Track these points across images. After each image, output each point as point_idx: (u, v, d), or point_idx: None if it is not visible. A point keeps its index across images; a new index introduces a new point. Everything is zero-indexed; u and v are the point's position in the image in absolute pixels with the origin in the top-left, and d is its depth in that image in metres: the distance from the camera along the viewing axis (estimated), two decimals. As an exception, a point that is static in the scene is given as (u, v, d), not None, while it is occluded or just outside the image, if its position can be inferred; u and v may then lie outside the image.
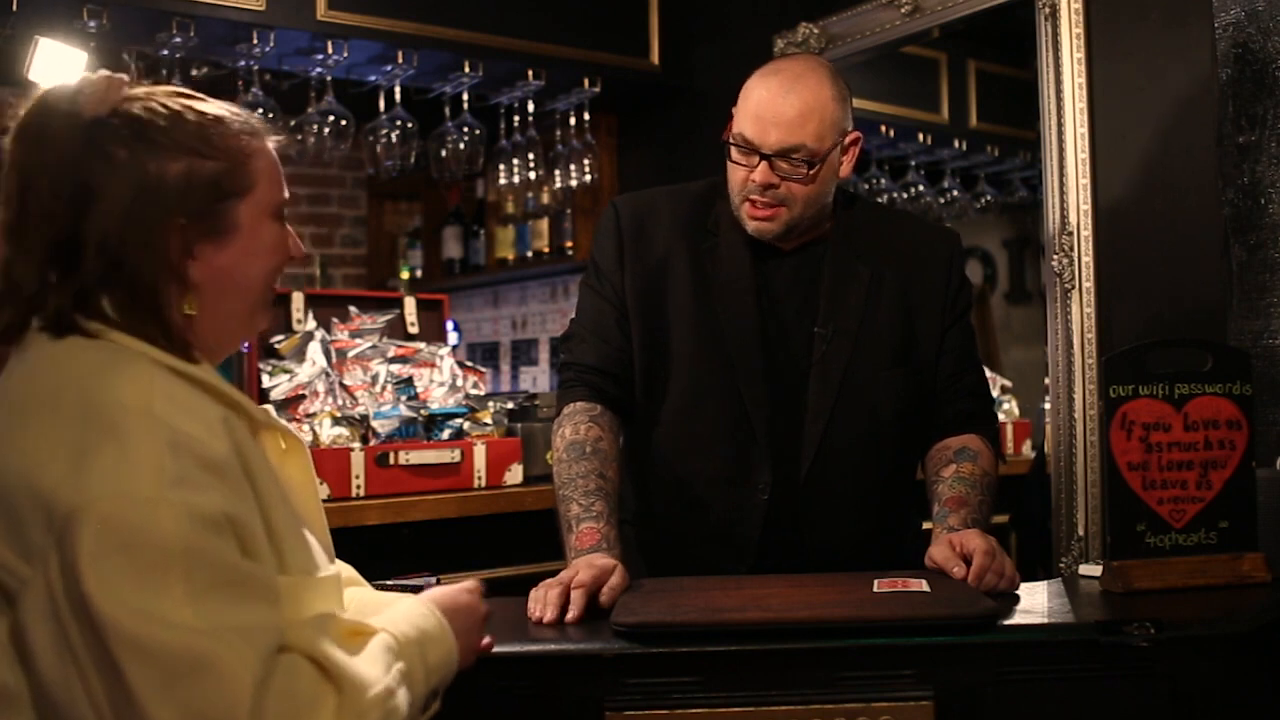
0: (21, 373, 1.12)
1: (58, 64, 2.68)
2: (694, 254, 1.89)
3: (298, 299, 3.13)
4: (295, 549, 1.16)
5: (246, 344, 2.75)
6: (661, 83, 3.63)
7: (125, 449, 1.02)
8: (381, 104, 3.42)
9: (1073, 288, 2.41)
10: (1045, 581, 1.83)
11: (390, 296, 3.59)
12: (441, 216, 4.89)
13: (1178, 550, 1.68)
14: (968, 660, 1.41)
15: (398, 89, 3.39)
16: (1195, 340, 1.84)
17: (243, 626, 1.00)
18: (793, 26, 3.11)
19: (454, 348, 3.55)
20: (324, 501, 1.37)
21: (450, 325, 4.17)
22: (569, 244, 4.16)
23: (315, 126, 3.28)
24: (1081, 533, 2.37)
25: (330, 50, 3.14)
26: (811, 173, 1.77)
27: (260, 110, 2.95)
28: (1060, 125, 2.43)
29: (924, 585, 1.55)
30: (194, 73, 3.21)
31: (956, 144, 3.82)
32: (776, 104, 1.75)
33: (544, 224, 4.28)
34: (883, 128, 3.66)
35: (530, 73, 3.46)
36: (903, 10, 2.83)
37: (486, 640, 1.32)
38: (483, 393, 3.06)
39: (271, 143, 1.24)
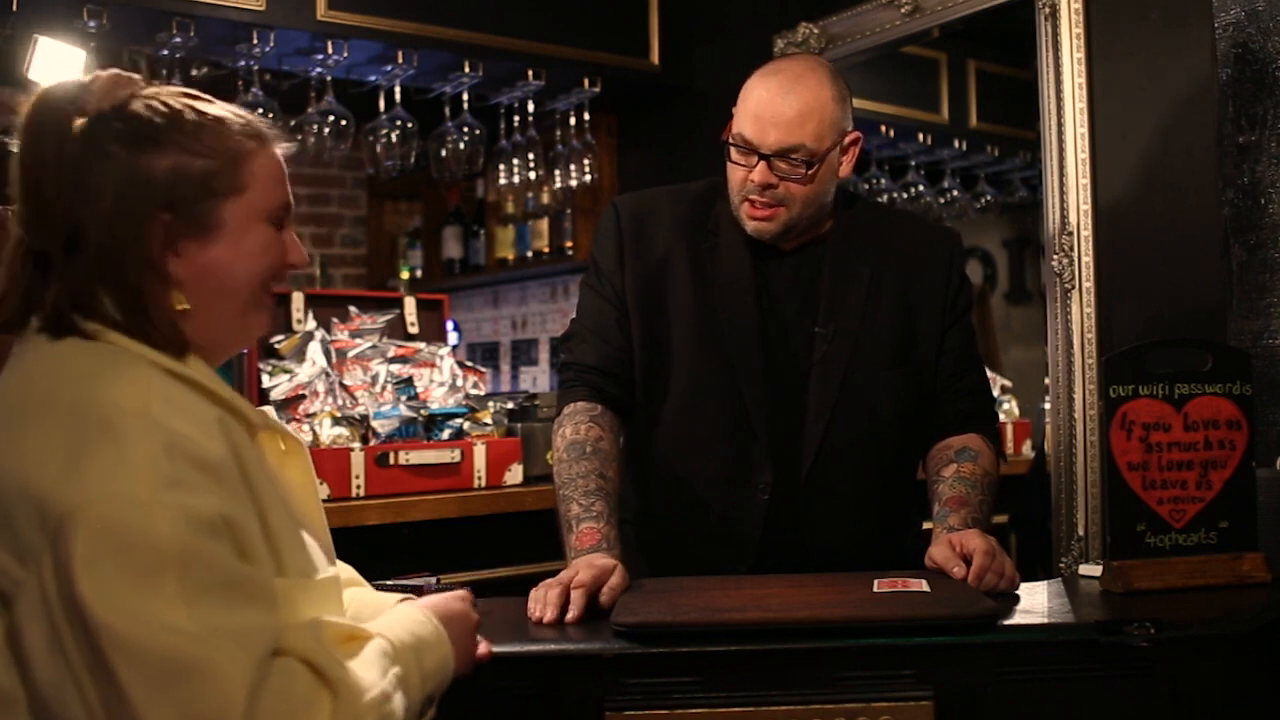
0: (19, 374, 1.12)
1: (57, 63, 2.68)
2: (694, 254, 1.89)
3: (298, 299, 3.13)
4: (293, 551, 1.16)
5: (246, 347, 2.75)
6: (661, 83, 3.63)
7: (121, 451, 1.02)
8: (381, 104, 3.42)
9: (1073, 288, 2.41)
10: (1045, 581, 1.83)
11: (390, 296, 3.59)
12: (441, 216, 4.89)
13: (1178, 550, 1.68)
14: (968, 660, 1.41)
15: (398, 89, 3.39)
16: (1195, 340, 1.84)
17: (237, 630, 1.00)
18: (793, 26, 3.11)
19: (454, 348, 3.56)
20: (324, 502, 1.37)
21: (450, 325, 4.17)
22: (569, 244, 4.16)
23: (315, 126, 3.28)
24: (1081, 533, 2.37)
25: (330, 50, 3.14)
26: (810, 173, 1.77)
27: (260, 110, 2.94)
28: (1060, 125, 2.43)
29: (924, 585, 1.55)
30: (194, 73, 3.21)
31: (956, 144, 3.82)
32: (776, 104, 1.75)
33: (544, 224, 4.28)
34: (883, 128, 3.66)
35: (530, 73, 3.46)
36: (903, 10, 2.83)
37: (484, 649, 1.32)
38: (483, 393, 3.06)
39: (278, 149, 1.24)
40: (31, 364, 1.12)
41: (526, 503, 2.79)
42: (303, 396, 2.76)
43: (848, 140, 1.82)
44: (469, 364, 3.12)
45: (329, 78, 3.30)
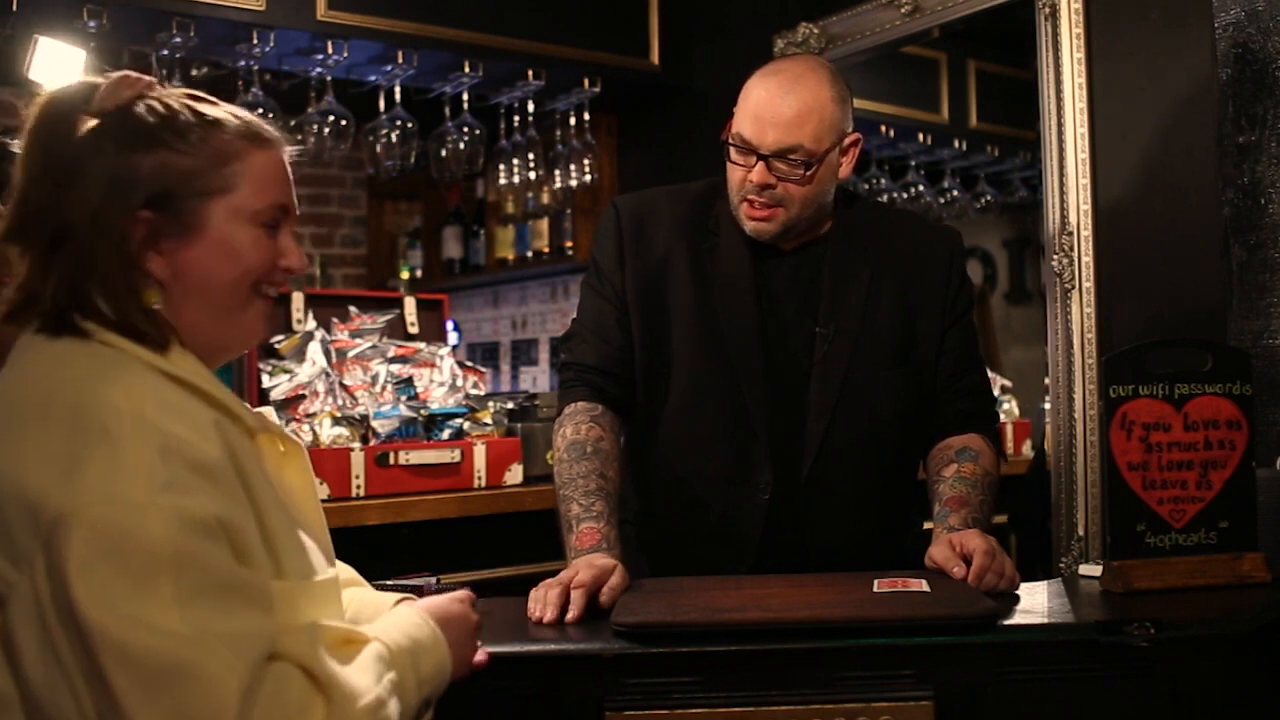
0: (16, 376, 1.12)
1: (58, 63, 2.68)
2: (694, 253, 1.89)
3: (298, 299, 3.13)
4: (291, 552, 1.16)
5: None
6: (661, 83, 3.63)
7: (116, 453, 1.02)
8: (381, 104, 3.42)
9: (1073, 288, 2.41)
10: (1045, 581, 1.83)
11: (390, 296, 3.59)
12: (441, 216, 4.89)
13: (1178, 550, 1.68)
14: (968, 660, 1.41)
15: (398, 89, 3.39)
16: (1195, 340, 1.84)
17: (231, 633, 1.00)
18: (793, 26, 3.11)
19: (454, 348, 3.56)
20: (324, 502, 1.37)
21: (450, 325, 4.17)
22: (569, 244, 4.15)
23: (315, 126, 3.28)
24: (1081, 533, 2.37)
25: (330, 50, 3.14)
26: (809, 174, 1.77)
27: (260, 110, 2.95)
28: (1060, 125, 2.43)
29: (924, 585, 1.55)
30: (194, 73, 3.21)
31: (956, 144, 3.82)
32: (775, 104, 1.75)
33: (544, 224, 4.28)
34: (883, 128, 3.66)
35: (530, 73, 3.46)
36: (903, 10, 2.83)
37: (481, 656, 1.32)
38: (483, 393, 3.06)
39: (277, 152, 1.23)
40: (29, 364, 1.12)
41: (526, 503, 2.79)
42: (303, 396, 2.76)
43: (847, 141, 1.82)
44: (469, 364, 3.12)
45: (329, 78, 3.30)
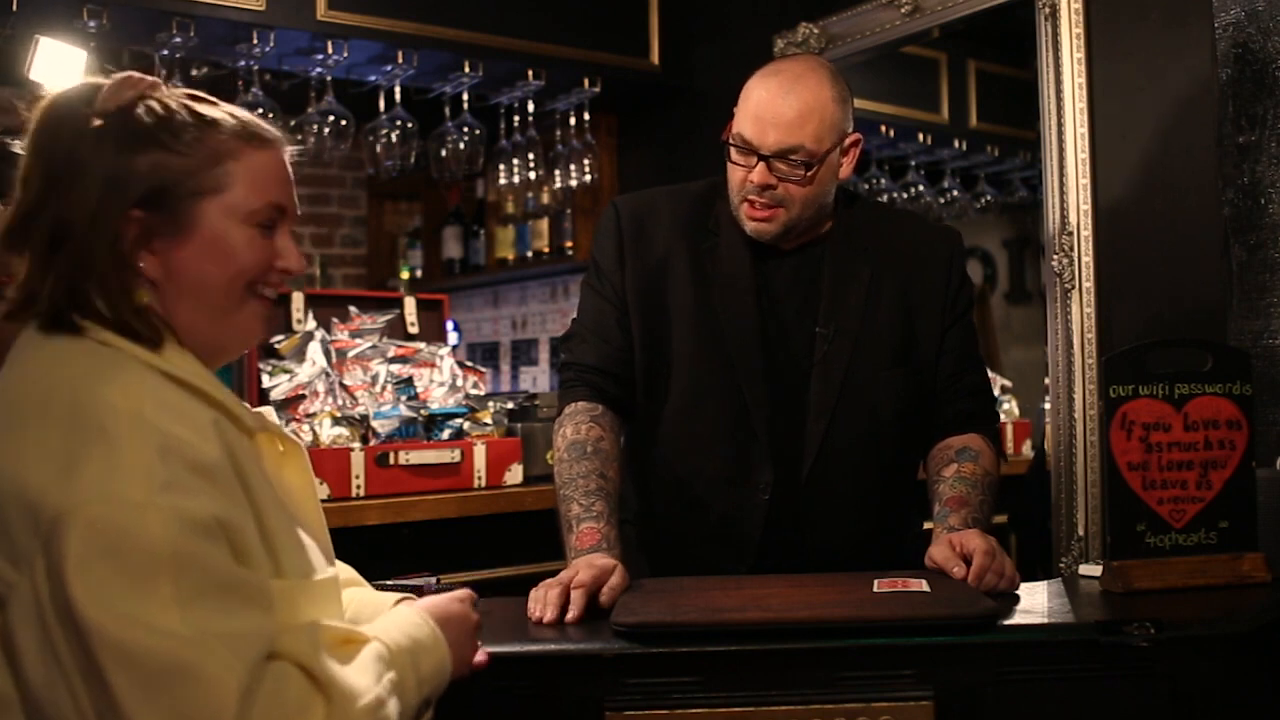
0: (15, 375, 1.12)
1: (59, 64, 2.68)
2: (694, 253, 1.89)
3: (298, 299, 3.13)
4: (291, 552, 1.16)
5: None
6: (661, 83, 3.63)
7: (114, 453, 1.02)
8: (381, 104, 3.42)
9: (1073, 288, 2.41)
10: (1045, 581, 1.83)
11: (390, 296, 3.59)
12: (441, 216, 4.89)
13: (1178, 550, 1.68)
14: (968, 660, 1.41)
15: (398, 89, 3.39)
16: (1195, 340, 1.84)
17: (230, 633, 1.00)
18: (793, 26, 3.11)
19: (454, 348, 3.55)
20: (324, 502, 1.37)
21: (450, 325, 4.17)
22: (569, 244, 4.16)
23: (315, 126, 3.28)
24: (1081, 533, 2.37)
25: (330, 50, 3.14)
26: (810, 174, 1.77)
27: (260, 110, 2.95)
28: (1060, 125, 2.43)
29: (924, 585, 1.55)
30: (194, 73, 3.21)
31: (956, 144, 3.82)
32: (776, 105, 1.75)
33: (544, 224, 4.28)
34: (883, 128, 3.66)
35: (530, 73, 3.46)
36: (903, 10, 2.83)
37: (481, 657, 1.32)
38: (483, 393, 3.06)
39: (275, 152, 1.22)
40: (29, 363, 1.12)
41: (526, 503, 2.79)
42: (303, 396, 2.76)
43: (848, 141, 1.82)
44: (469, 364, 3.12)
45: (329, 78, 3.30)
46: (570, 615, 1.50)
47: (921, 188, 3.87)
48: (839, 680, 1.39)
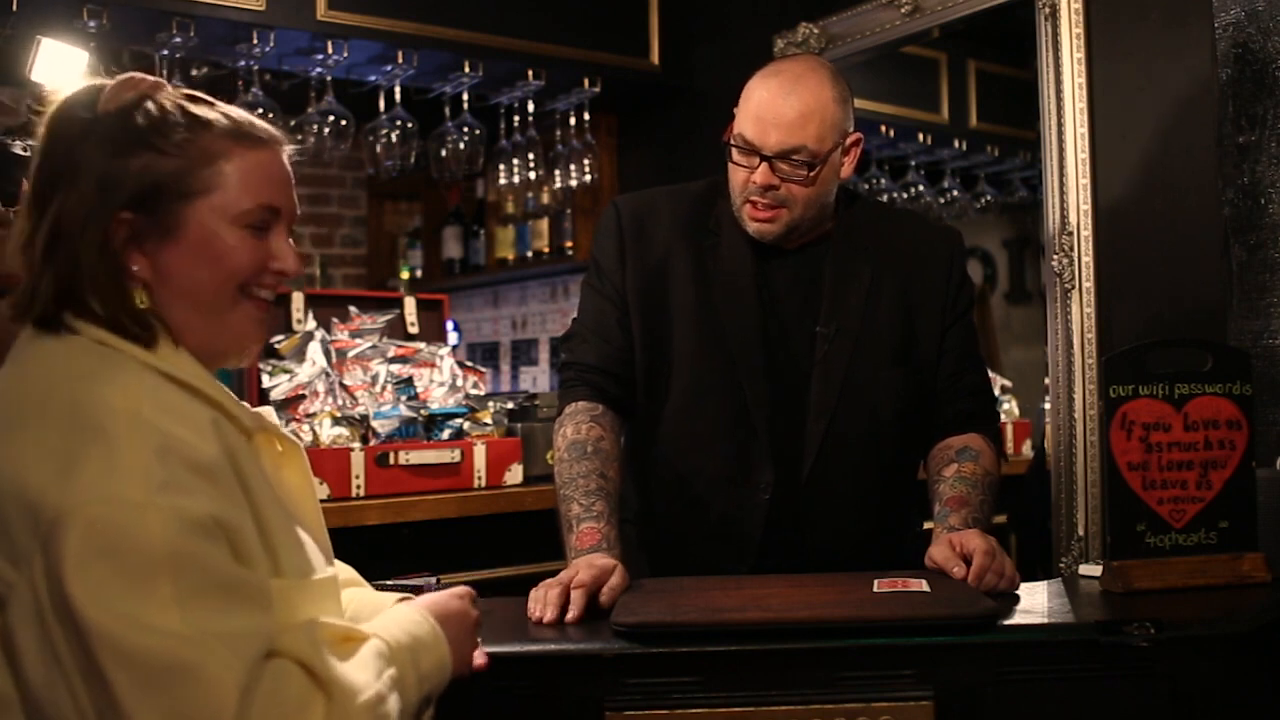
0: (14, 375, 1.13)
1: (60, 65, 2.67)
2: (695, 253, 1.89)
3: (298, 299, 3.13)
4: (290, 551, 1.16)
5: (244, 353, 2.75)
6: (661, 83, 3.63)
7: (113, 453, 1.02)
8: (381, 104, 3.42)
9: (1073, 288, 2.41)
10: (1045, 581, 1.83)
11: (390, 296, 3.59)
12: (441, 216, 4.89)
13: (1178, 550, 1.68)
14: (968, 660, 1.41)
15: (398, 89, 3.39)
16: (1195, 340, 1.84)
17: (229, 632, 1.00)
18: (793, 26, 3.11)
19: (454, 348, 3.55)
20: (324, 502, 1.37)
21: (450, 325, 4.17)
22: (569, 244, 4.16)
23: (315, 126, 3.28)
24: (1081, 533, 2.37)
25: (330, 50, 3.14)
26: (812, 174, 1.77)
27: (260, 110, 2.95)
28: (1060, 125, 2.43)
29: (924, 585, 1.55)
30: (194, 73, 3.21)
31: (956, 144, 3.82)
32: (777, 105, 1.75)
33: (544, 224, 4.28)
34: (883, 128, 3.66)
35: (530, 73, 3.46)
36: (903, 10, 2.83)
37: (480, 660, 1.31)
38: (483, 393, 3.06)
39: (270, 153, 1.21)
40: (28, 363, 1.13)
41: (526, 503, 2.79)
42: (303, 396, 2.76)
43: (849, 141, 1.82)
44: (469, 364, 3.12)
45: (329, 78, 3.30)
46: (570, 615, 1.50)
47: (921, 188, 3.88)
48: (839, 680, 1.39)
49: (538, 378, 4.74)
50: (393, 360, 2.96)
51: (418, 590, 1.47)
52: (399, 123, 3.39)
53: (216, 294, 1.18)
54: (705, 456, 1.86)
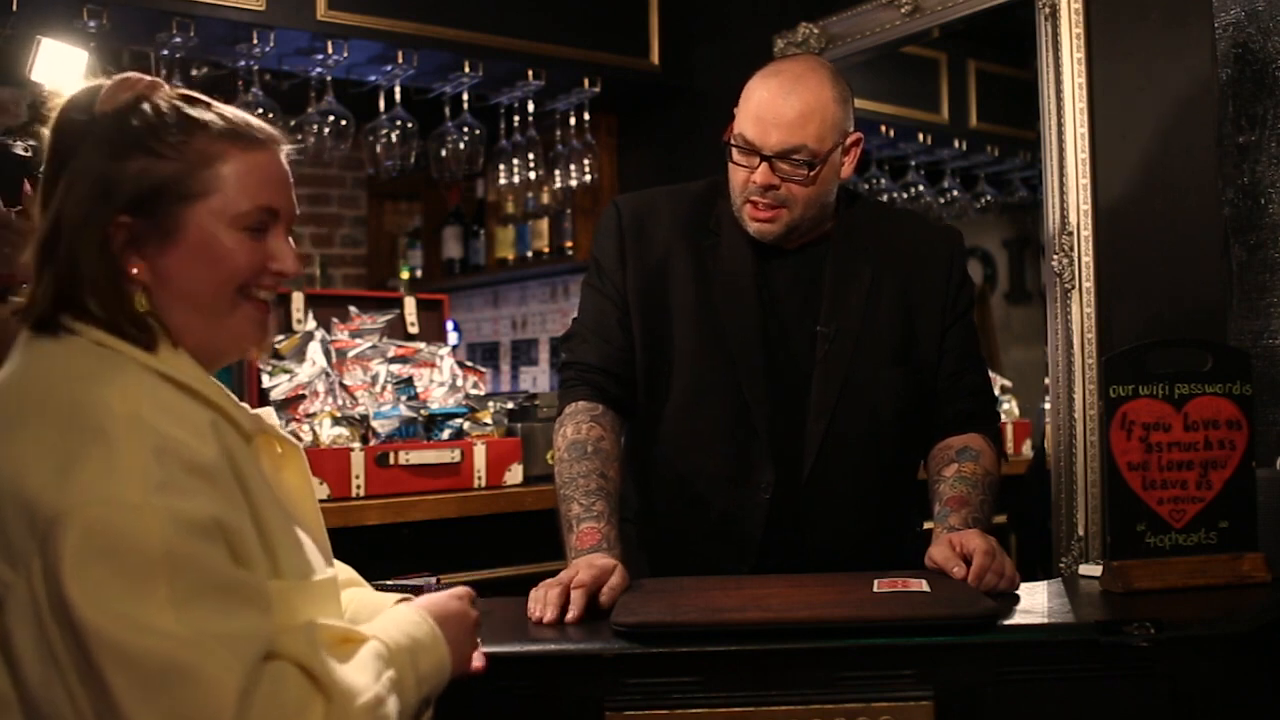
0: (13, 375, 1.12)
1: (60, 65, 2.67)
2: (695, 252, 1.89)
3: (298, 299, 3.13)
4: (289, 552, 1.16)
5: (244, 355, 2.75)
6: (661, 83, 3.63)
7: (111, 454, 1.02)
8: (381, 104, 3.42)
9: (1073, 288, 2.41)
10: (1045, 581, 1.83)
11: (390, 296, 3.59)
12: (441, 216, 4.89)
13: (1178, 550, 1.68)
14: (968, 660, 1.41)
15: (398, 89, 3.39)
16: (1195, 340, 1.84)
17: (228, 634, 1.00)
18: (793, 26, 3.11)
19: (454, 348, 3.56)
20: (324, 502, 1.37)
21: (450, 325, 4.17)
22: (569, 244, 4.16)
23: (315, 126, 3.28)
24: (1081, 533, 2.37)
25: (330, 50, 3.14)
26: (812, 174, 1.77)
27: (260, 110, 2.95)
28: (1060, 125, 2.43)
29: (924, 585, 1.55)
30: (194, 73, 3.21)
31: (956, 144, 3.82)
32: (777, 105, 1.75)
33: (544, 224, 4.28)
34: (883, 128, 3.66)
35: (530, 73, 3.46)
36: (903, 10, 2.83)
37: (479, 663, 1.31)
38: (483, 393, 3.06)
39: (267, 154, 1.20)
40: (27, 363, 1.12)
41: (526, 503, 2.79)
42: (303, 396, 2.76)
43: (849, 141, 1.82)
44: (469, 364, 3.12)
45: (329, 78, 3.30)
46: (570, 615, 1.50)
47: (921, 188, 3.88)
48: (839, 680, 1.39)
49: (538, 378, 4.74)
50: (393, 360, 2.96)
51: (418, 590, 1.47)
52: (399, 123, 3.39)
53: (216, 296, 1.18)
54: (705, 456, 1.86)
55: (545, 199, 4.02)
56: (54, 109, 1.17)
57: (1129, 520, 1.68)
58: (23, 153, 1.73)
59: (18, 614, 1.00)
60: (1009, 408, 3.67)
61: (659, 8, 3.60)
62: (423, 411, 2.82)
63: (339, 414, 2.71)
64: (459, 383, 3.00)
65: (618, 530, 1.72)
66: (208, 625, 0.99)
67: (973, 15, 2.70)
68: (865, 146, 1.89)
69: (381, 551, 2.54)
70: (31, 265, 1.15)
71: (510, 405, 3.04)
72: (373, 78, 3.38)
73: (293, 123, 3.26)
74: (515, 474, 2.85)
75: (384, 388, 2.86)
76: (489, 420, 2.89)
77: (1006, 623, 1.48)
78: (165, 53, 2.99)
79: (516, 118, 3.67)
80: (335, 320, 3.06)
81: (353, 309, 3.12)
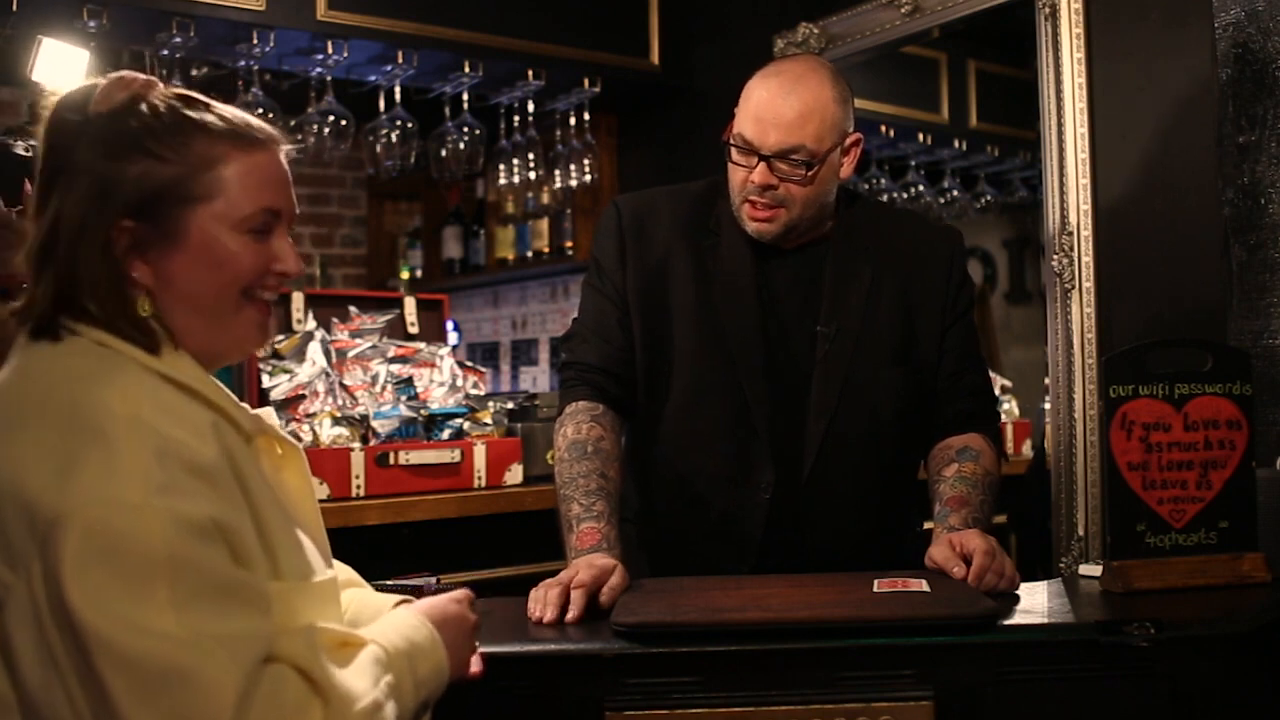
0: (13, 376, 1.12)
1: (61, 64, 2.67)
2: (695, 252, 1.89)
3: (298, 299, 3.13)
4: (290, 553, 1.16)
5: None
6: (661, 83, 3.63)
7: (111, 455, 1.01)
8: (381, 104, 3.42)
9: (1073, 288, 2.41)
10: (1045, 581, 1.83)
11: (390, 296, 3.59)
12: (441, 216, 4.89)
13: (1178, 550, 1.68)
14: (968, 660, 1.41)
15: (398, 89, 3.39)
16: (1195, 340, 1.84)
17: (227, 636, 1.00)
18: (793, 26, 3.11)
19: (454, 348, 3.56)
20: (324, 502, 1.37)
21: (450, 325, 4.17)
22: (569, 244, 4.16)
23: (315, 126, 3.28)
24: (1081, 533, 2.37)
25: (330, 50, 3.14)
26: (810, 174, 1.77)
27: (260, 110, 2.95)
28: (1060, 125, 2.43)
29: (924, 585, 1.55)
30: (194, 73, 3.21)
31: (956, 144, 3.82)
32: (776, 105, 1.75)
33: (544, 224, 4.28)
34: (883, 128, 3.66)
35: (530, 73, 3.46)
36: (903, 10, 2.83)
37: (476, 668, 1.31)
38: (483, 393, 3.06)
39: (268, 154, 1.20)
40: (27, 365, 1.12)
41: (526, 503, 2.79)
42: (303, 396, 2.76)
43: (849, 141, 1.82)
44: (469, 364, 3.12)
45: (329, 78, 3.30)
46: (570, 615, 1.50)
47: (921, 188, 3.88)
48: (839, 680, 1.39)
49: (538, 378, 4.74)
50: (393, 360, 2.96)
51: (418, 590, 1.47)
52: (399, 123, 3.39)
53: (219, 299, 1.18)
54: (706, 456, 1.86)
55: (545, 199, 4.02)
56: (47, 108, 1.16)
57: (1129, 520, 1.68)
58: (23, 153, 1.73)
59: (17, 616, 1.00)
60: (1009, 408, 3.67)
61: (659, 8, 3.60)
62: (423, 411, 2.82)
63: (339, 414, 2.71)
64: (459, 383, 3.00)
65: (618, 530, 1.72)
66: (207, 627, 0.99)
67: (973, 15, 2.70)
68: (865, 146, 1.89)
69: (381, 551, 2.54)
70: (25, 266, 1.15)
71: (510, 405, 3.04)
72: (373, 78, 3.38)
73: (293, 123, 3.26)
74: (515, 474, 2.85)
75: (384, 388, 2.86)
76: (489, 420, 2.89)
77: (1006, 623, 1.48)
78: (165, 53, 2.99)
79: (516, 118, 3.67)
80: (335, 320, 3.06)
81: (353, 309, 3.12)
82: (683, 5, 3.62)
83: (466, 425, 2.85)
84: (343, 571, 1.38)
